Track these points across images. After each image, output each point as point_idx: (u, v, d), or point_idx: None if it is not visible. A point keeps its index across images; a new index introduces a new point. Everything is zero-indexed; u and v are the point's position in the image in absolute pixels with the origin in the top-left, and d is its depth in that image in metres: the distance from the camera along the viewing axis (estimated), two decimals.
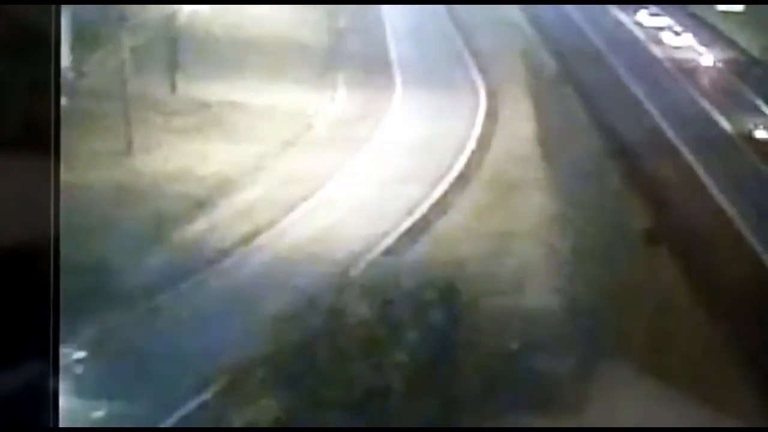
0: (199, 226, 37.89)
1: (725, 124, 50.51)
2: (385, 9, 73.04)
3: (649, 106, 53.25)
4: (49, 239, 16.84)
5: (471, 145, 48.04)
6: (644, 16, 70.72)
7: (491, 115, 52.70)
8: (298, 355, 25.79)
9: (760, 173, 45.53)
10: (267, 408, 25.06)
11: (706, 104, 53.11)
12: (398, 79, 58.80)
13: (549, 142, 48.76)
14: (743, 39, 63.53)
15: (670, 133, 49.11)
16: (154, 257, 34.48)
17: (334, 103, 54.38)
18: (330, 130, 50.14)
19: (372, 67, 61.01)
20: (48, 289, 16.79)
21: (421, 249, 36.86)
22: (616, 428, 26.78)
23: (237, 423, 24.98)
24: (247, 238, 36.87)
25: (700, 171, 44.92)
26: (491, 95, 55.91)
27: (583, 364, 29.51)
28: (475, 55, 63.97)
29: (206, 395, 26.56)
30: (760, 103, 53.15)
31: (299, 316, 26.76)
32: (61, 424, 17.94)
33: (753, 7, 64.12)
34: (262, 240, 37.03)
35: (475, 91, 56.64)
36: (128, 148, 43.66)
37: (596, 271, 35.59)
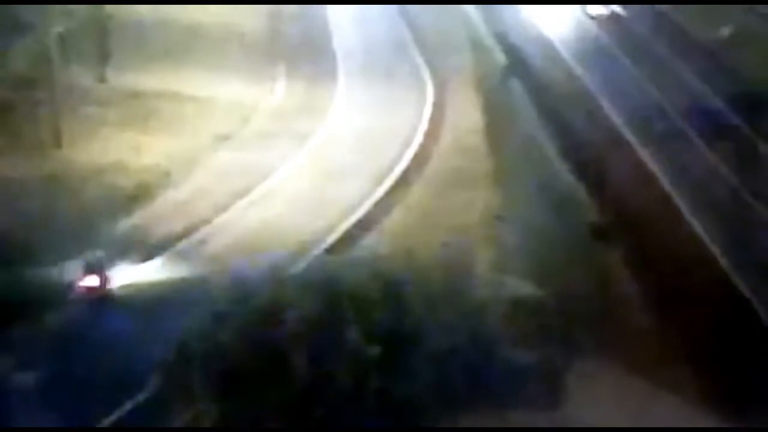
0: (132, 220, 36.56)
1: None
2: None
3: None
4: None
5: (418, 138, 46.63)
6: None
7: (438, 108, 51.16)
8: (235, 354, 24.82)
9: None
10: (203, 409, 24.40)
11: None
12: (341, 70, 57.05)
13: (496, 134, 47.62)
14: None
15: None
16: (84, 253, 32.68)
17: (273, 94, 52.61)
18: (270, 122, 48.43)
19: (314, 57, 59.27)
20: None
21: (366, 246, 35.35)
22: (616, 428, 26.64)
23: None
24: (182, 235, 35.55)
25: None
26: (438, 87, 54.30)
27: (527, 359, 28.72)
28: (421, 44, 62.10)
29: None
30: None
31: (236, 314, 25.69)
32: None
33: None
34: (198, 236, 35.72)
35: (421, 83, 55.08)
36: (57, 140, 42.08)
37: (543, 267, 34.55)
